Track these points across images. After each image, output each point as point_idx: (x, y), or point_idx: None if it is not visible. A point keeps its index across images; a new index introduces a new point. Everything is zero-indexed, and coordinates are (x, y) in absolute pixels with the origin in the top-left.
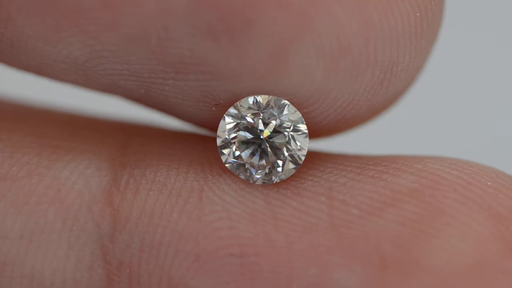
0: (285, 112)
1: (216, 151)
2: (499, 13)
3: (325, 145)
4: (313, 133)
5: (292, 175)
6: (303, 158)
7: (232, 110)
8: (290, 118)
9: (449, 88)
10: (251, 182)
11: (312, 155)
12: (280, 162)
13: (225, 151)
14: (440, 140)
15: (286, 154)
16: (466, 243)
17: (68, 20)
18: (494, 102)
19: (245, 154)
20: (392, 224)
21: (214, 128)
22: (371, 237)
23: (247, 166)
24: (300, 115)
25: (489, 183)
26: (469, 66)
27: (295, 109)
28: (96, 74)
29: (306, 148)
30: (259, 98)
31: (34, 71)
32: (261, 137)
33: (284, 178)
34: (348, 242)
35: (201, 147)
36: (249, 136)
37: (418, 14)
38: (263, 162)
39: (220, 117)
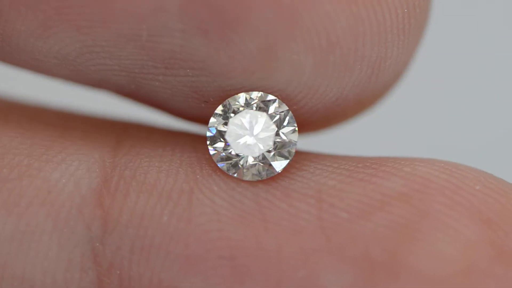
0: (274, 107)
1: (206, 151)
2: (487, 9)
3: (316, 142)
4: (302, 128)
5: (282, 176)
6: (292, 153)
7: (221, 107)
8: (279, 113)
9: (440, 86)
10: (241, 178)
11: (302, 156)
12: (269, 158)
13: (215, 148)
14: (430, 138)
15: (275, 149)
16: (454, 248)
17: (59, 15)
18: (485, 100)
19: (235, 150)
20: (381, 228)
21: (205, 123)
22: (359, 241)
23: (237, 162)
24: (289, 110)
25: (477, 187)
26: (458, 62)
27: (284, 104)
28: (87, 69)
29: (296, 143)
30: (248, 95)
31: (25, 66)
32: (251, 133)
33: (274, 174)
34: (336, 245)
35: (192, 147)
36: (239, 132)
37: (406, 10)
38: (253, 158)
39: (210, 112)
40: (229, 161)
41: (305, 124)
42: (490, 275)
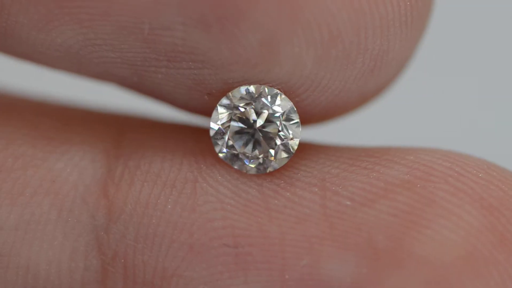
0: (277, 101)
1: (209, 142)
2: (491, 2)
3: (318, 135)
4: (305, 120)
5: (285, 165)
6: (295, 147)
7: (224, 101)
8: (282, 107)
9: (442, 77)
10: (245, 171)
11: (305, 146)
12: (273, 152)
13: (219, 141)
14: (432, 130)
15: (278, 143)
16: (458, 234)
17: (61, 8)
18: (487, 92)
19: (238, 144)
20: (384, 215)
21: (207, 115)
22: (363, 228)
23: (240, 156)
24: (292, 104)
25: (480, 175)
26: (460, 55)
27: (287, 98)
28: (89, 62)
29: (299, 137)
30: (251, 88)
31: (28, 59)
32: (254, 127)
33: (278, 167)
34: (340, 233)
35: (195, 138)
36: (242, 126)
37: (408, 3)
38: (256, 151)
39: (213, 104)
40: (232, 155)
41: (308, 117)
42: (492, 261)
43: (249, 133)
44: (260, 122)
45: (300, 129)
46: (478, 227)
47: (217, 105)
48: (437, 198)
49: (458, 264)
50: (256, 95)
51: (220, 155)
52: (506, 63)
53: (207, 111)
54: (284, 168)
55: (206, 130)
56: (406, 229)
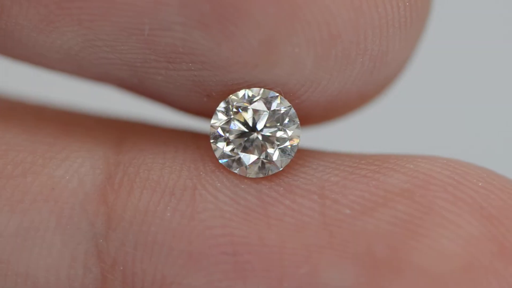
0: (276, 104)
1: (209, 148)
2: (490, 3)
3: (318, 137)
4: (304, 121)
5: (285, 172)
6: (295, 149)
7: (223, 104)
8: (282, 110)
9: (442, 80)
10: (245, 175)
11: (305, 153)
12: (272, 155)
13: (218, 145)
14: (433, 137)
15: (278, 145)
16: (457, 243)
17: (61, 10)
18: (488, 95)
19: (238, 147)
20: (384, 224)
21: (207, 116)
22: (362, 237)
23: (240, 159)
24: (291, 106)
25: (480, 184)
26: (460, 57)
27: (286, 101)
28: (89, 63)
29: (298, 140)
30: (250, 92)
31: (27, 61)
32: (253, 130)
33: (277, 171)
34: (339, 241)
35: (195, 145)
36: (241, 129)
37: (407, 3)
38: (256, 155)
39: (212, 106)
40: (232, 158)
41: (307, 118)
42: (491, 271)
43: (249, 136)
44: (259, 126)
45: (300, 131)
46: (478, 236)
47: (216, 109)
48: (437, 207)
49: (457, 274)
50: (255, 98)
51: (220, 160)
52: (508, 64)
53: (207, 113)
54: (283, 174)
55: (206, 136)
56: (405, 238)
